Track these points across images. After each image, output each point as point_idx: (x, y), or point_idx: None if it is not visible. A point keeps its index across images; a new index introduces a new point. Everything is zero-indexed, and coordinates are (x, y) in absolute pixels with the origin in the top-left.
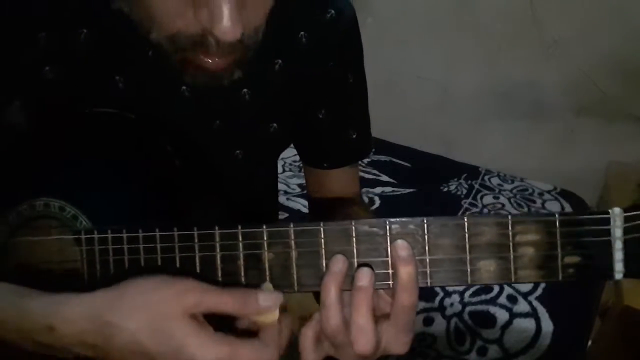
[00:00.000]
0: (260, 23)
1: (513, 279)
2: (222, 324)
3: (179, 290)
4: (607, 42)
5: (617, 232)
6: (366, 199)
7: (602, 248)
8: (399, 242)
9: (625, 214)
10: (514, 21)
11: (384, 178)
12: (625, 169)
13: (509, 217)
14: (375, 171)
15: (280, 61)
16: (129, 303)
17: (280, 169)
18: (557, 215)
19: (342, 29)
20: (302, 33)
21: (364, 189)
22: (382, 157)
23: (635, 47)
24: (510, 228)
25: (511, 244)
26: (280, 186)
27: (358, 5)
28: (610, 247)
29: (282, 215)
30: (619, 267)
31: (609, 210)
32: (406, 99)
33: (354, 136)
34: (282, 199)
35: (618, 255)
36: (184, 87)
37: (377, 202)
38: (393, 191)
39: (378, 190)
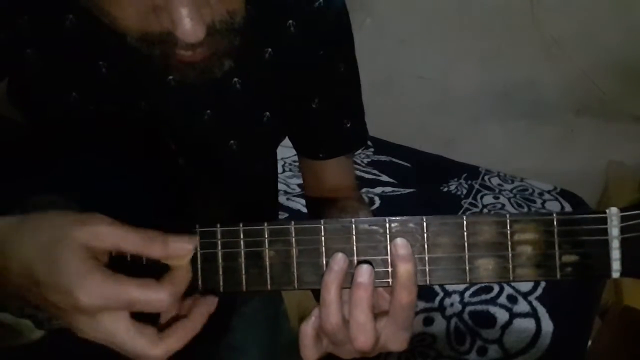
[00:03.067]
0: (235, 7)
1: (511, 278)
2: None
3: (81, 218)
4: (607, 42)
5: (614, 231)
6: (366, 199)
7: (600, 247)
8: (399, 240)
9: (622, 214)
10: (514, 21)
11: (384, 178)
12: (625, 169)
13: (507, 216)
14: (375, 171)
15: (270, 49)
16: (29, 225)
17: (280, 169)
18: (554, 215)
19: (330, 18)
20: (290, 22)
21: (364, 189)
22: (382, 157)
23: (635, 47)
24: (508, 227)
25: (509, 243)
26: (280, 186)
27: (357, 5)
28: (608, 246)
29: (282, 215)
30: (615, 266)
31: (606, 210)
32: (406, 99)
33: (348, 125)
34: (282, 199)
35: (615, 254)
36: (170, 77)
37: (377, 202)
38: (393, 191)
39: (378, 190)
